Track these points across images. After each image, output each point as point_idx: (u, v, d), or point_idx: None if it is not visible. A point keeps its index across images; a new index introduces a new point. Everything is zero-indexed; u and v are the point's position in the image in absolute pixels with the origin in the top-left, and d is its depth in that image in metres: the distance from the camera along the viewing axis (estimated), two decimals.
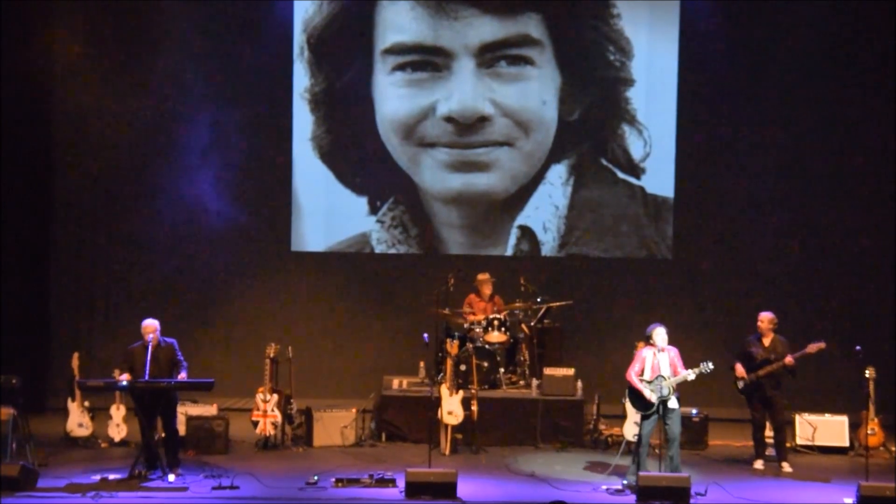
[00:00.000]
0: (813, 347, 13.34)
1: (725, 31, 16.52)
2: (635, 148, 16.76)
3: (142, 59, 16.48)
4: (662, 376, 12.40)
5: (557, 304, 15.53)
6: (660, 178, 16.76)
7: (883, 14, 16.12)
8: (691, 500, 11.81)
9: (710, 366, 12.38)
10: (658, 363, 12.47)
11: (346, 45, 16.79)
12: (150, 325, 12.67)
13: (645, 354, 12.57)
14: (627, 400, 12.77)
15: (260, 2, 16.66)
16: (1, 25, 15.48)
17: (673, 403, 12.42)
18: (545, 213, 16.85)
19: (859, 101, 16.35)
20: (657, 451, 12.71)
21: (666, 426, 12.45)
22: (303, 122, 16.85)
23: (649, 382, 12.43)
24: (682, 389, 12.70)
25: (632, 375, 12.54)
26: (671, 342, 12.66)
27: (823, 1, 16.28)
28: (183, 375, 12.58)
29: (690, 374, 12.40)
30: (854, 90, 16.34)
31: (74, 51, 16.19)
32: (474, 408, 13.98)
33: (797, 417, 14.51)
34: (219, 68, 16.58)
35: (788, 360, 13.29)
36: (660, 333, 12.52)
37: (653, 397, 12.33)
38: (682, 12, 16.57)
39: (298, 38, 16.75)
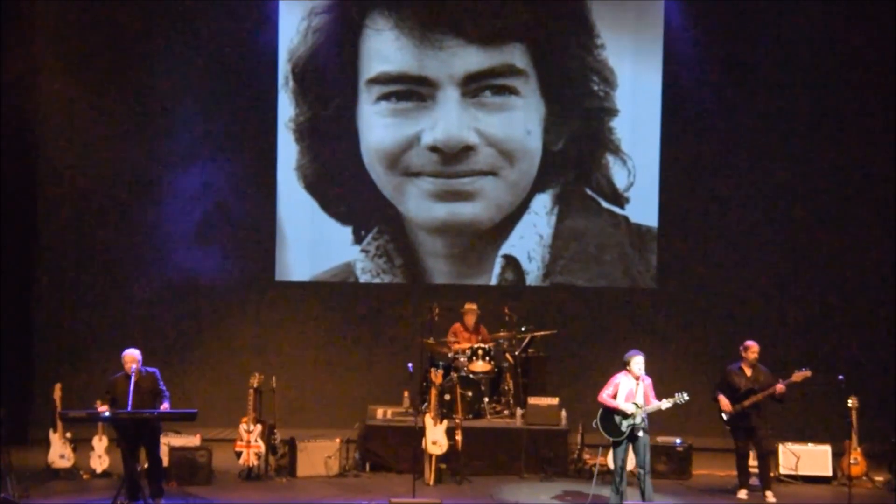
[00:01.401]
0: (799, 376, 13.32)
1: (709, 60, 16.61)
2: (619, 177, 16.82)
3: (128, 90, 16.55)
4: (636, 404, 12.40)
5: (542, 333, 15.52)
6: (644, 208, 16.81)
7: (869, 46, 16.20)
8: None
9: (686, 396, 12.37)
10: (633, 391, 12.48)
11: (331, 74, 16.87)
12: (132, 356, 12.59)
13: (619, 380, 12.55)
14: (598, 425, 12.72)
15: (244, 32, 16.69)
16: None
17: (642, 434, 12.43)
18: (530, 242, 16.88)
19: (843, 130, 16.43)
20: (637, 478, 12.73)
21: (636, 455, 12.46)
22: (287, 151, 16.90)
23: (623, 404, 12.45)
24: (667, 419, 12.72)
25: (605, 397, 12.52)
26: (656, 371, 12.66)
27: (809, 30, 16.34)
28: (165, 405, 12.53)
29: (665, 404, 12.39)
30: (838, 119, 16.43)
31: (60, 88, 16.26)
32: (459, 437, 13.95)
33: (780, 447, 14.48)
34: (203, 98, 16.64)
35: (780, 387, 13.25)
36: (637, 361, 12.50)
37: (630, 410, 12.31)
38: (665, 42, 16.66)
39: (283, 68, 16.82)
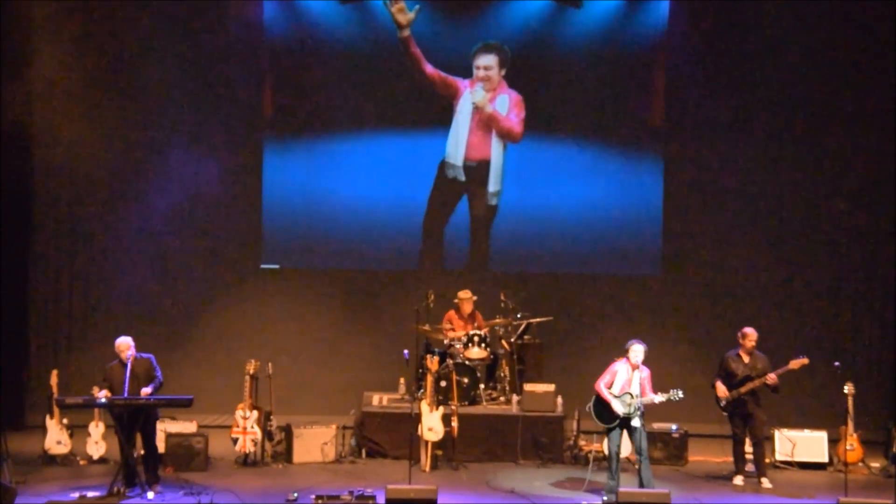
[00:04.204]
0: (795, 363, 13.36)
1: (710, 51, 16.59)
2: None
3: (119, 80, 16.47)
4: (630, 394, 12.42)
5: (538, 320, 15.53)
6: (645, 195, 16.77)
7: (866, 54, 16.23)
8: None
9: (680, 394, 12.42)
10: (630, 380, 12.49)
11: (321, 60, 16.77)
12: (125, 343, 12.66)
13: (617, 368, 12.59)
14: (591, 411, 12.76)
15: (231, 17, 16.59)
16: None
17: (636, 423, 12.45)
18: (527, 229, 16.83)
19: (846, 117, 16.41)
20: (635, 465, 12.76)
21: (632, 443, 12.48)
22: (278, 137, 16.81)
23: (616, 397, 12.46)
24: (663, 405, 12.71)
25: (601, 386, 12.57)
26: (654, 358, 12.67)
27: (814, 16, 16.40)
28: (147, 391, 12.52)
29: (658, 398, 12.43)
30: (842, 107, 16.40)
31: (56, 81, 16.23)
32: (454, 424, 13.98)
33: (776, 433, 14.53)
34: (194, 85, 16.55)
35: (771, 377, 13.29)
36: (636, 350, 12.53)
37: (621, 410, 12.36)
38: (665, 38, 16.64)
39: (270, 54, 16.73)
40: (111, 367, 12.71)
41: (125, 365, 12.54)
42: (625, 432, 12.64)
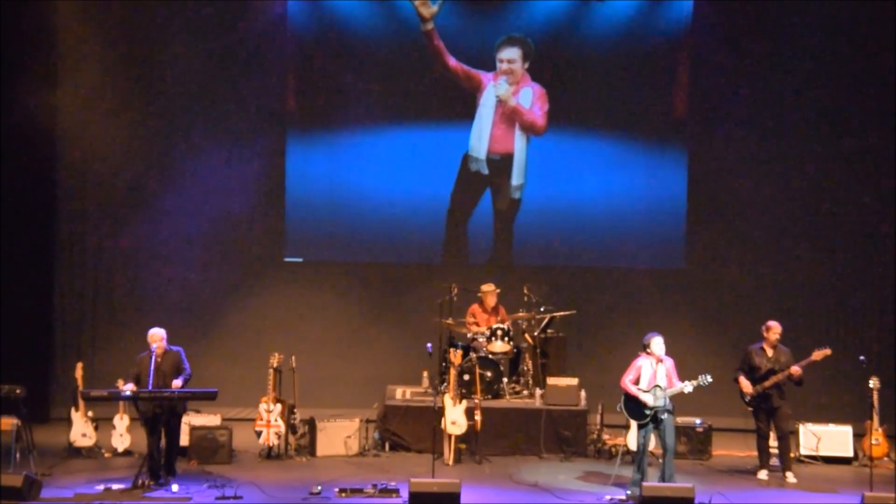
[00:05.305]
0: (818, 354, 13.29)
1: (731, 36, 16.53)
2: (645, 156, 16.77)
3: (144, 76, 16.53)
4: (659, 386, 12.38)
5: (561, 313, 15.51)
6: (670, 188, 16.72)
7: (893, 49, 16.14)
8: None
9: (709, 378, 12.35)
10: (655, 373, 12.45)
11: (345, 64, 16.78)
12: (156, 335, 12.72)
13: (641, 363, 12.53)
14: (623, 409, 12.73)
15: (253, 16, 16.65)
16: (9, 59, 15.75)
17: (664, 416, 12.40)
18: (550, 222, 16.81)
19: (869, 110, 16.36)
20: (660, 460, 12.73)
21: (660, 437, 12.46)
22: (302, 131, 16.82)
23: (645, 392, 12.42)
24: (686, 399, 12.69)
25: (627, 383, 12.51)
26: (677, 351, 12.62)
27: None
28: (177, 384, 12.58)
29: (688, 387, 12.37)
30: (864, 99, 16.35)
31: (82, 83, 16.32)
32: (478, 417, 13.97)
33: (801, 427, 14.47)
34: (218, 79, 16.60)
35: (795, 370, 13.24)
36: (657, 343, 12.47)
37: (652, 402, 12.32)
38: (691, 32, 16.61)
39: (293, 48, 16.73)
40: (142, 357, 12.78)
41: (152, 357, 12.60)
42: (653, 427, 12.60)
